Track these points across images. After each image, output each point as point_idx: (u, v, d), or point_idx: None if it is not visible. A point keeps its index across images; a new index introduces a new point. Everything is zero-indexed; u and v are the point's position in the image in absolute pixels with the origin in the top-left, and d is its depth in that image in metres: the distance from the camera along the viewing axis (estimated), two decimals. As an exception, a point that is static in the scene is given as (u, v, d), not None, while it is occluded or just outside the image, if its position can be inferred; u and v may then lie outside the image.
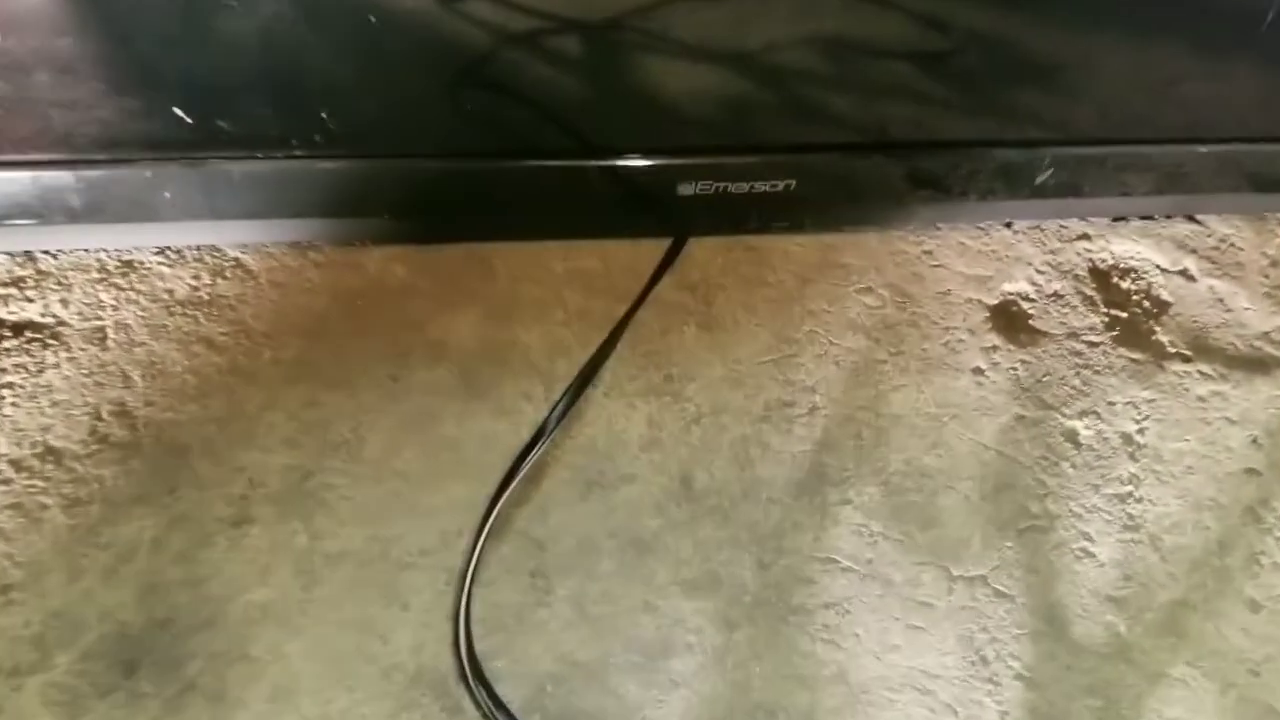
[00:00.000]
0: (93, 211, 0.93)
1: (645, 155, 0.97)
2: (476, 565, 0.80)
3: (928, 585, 0.84)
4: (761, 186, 1.01)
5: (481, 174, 0.96)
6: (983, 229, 1.10)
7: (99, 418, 0.87)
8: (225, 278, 1.00)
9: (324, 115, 0.89)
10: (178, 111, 0.87)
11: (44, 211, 0.92)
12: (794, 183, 1.00)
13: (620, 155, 0.96)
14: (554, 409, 0.89)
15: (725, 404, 0.92)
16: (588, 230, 1.05)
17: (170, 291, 0.99)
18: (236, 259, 1.02)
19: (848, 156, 1.00)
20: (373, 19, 0.83)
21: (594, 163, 0.96)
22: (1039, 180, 1.04)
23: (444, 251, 1.03)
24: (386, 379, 0.92)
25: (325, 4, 0.82)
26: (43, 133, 0.87)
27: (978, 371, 0.96)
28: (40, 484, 0.83)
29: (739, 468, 0.88)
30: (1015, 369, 0.96)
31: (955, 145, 0.99)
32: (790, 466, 0.89)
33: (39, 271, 0.99)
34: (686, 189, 1.00)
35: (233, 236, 1.01)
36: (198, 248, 1.01)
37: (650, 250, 1.04)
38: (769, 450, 0.89)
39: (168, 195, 0.93)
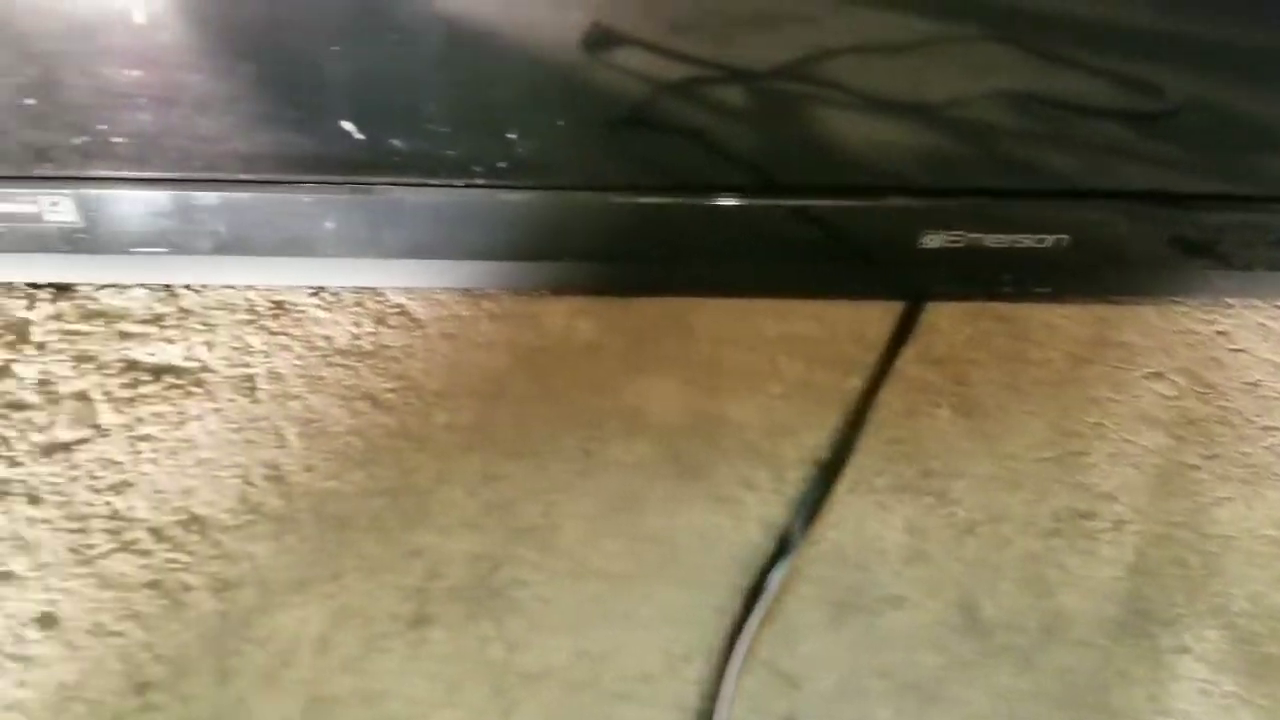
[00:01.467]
0: (242, 242, 0.89)
1: (882, 195, 0.89)
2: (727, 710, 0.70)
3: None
4: (1025, 241, 0.92)
5: (685, 213, 0.90)
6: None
7: (250, 482, 0.81)
8: (389, 326, 0.94)
9: (512, 137, 0.83)
10: (347, 126, 0.83)
11: (186, 239, 0.88)
12: (1066, 239, 0.91)
13: (850, 195, 0.89)
14: (797, 512, 0.82)
15: (1003, 510, 0.82)
16: (803, 287, 0.98)
17: (328, 338, 0.93)
18: (401, 305, 0.96)
19: (1126, 210, 0.91)
20: (575, 31, 0.77)
21: (817, 203, 0.89)
22: None
23: (634, 306, 0.96)
24: (578, 452, 0.84)
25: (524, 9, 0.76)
26: (187, 146, 0.83)
27: (1318, 486, 0.79)
28: (183, 559, 0.76)
29: (1033, 595, 0.77)
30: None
31: (1249, 201, 0.91)
32: (1101, 597, 0.78)
33: (181, 309, 0.95)
34: (932, 240, 0.92)
35: (395, 279, 0.96)
36: (357, 290, 0.95)
37: (876, 314, 0.97)
38: (1069, 574, 0.79)
39: (329, 226, 0.88)
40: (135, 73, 0.77)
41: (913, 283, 0.96)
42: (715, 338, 0.94)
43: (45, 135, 0.79)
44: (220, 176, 0.84)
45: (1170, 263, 0.96)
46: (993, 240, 0.92)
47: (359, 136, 0.83)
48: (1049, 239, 0.92)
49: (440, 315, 0.95)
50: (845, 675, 0.72)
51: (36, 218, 0.83)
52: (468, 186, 0.87)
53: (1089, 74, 0.81)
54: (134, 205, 0.85)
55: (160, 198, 0.85)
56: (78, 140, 0.80)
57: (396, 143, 0.83)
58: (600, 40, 0.79)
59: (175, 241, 0.88)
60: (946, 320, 0.97)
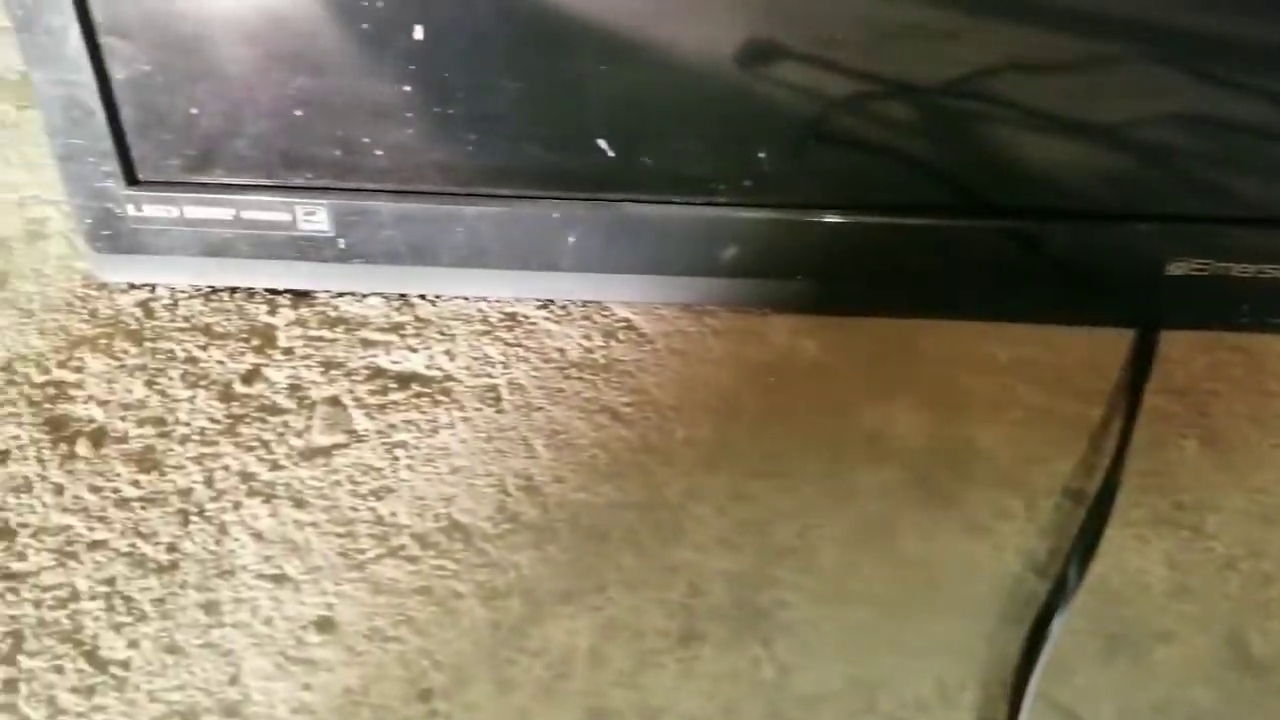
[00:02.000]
0: (482, 254, 0.92)
1: (1130, 221, 0.89)
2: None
3: None
4: (1273, 271, 0.90)
5: (914, 233, 0.91)
6: None
7: (505, 491, 0.81)
8: (618, 340, 0.95)
9: (761, 155, 0.85)
10: (601, 143, 0.85)
11: (431, 251, 0.92)
12: None
13: (1095, 219, 0.89)
14: (1071, 551, 0.80)
15: (1262, 546, 0.80)
16: (1035, 312, 0.96)
17: (561, 351, 0.94)
18: (626, 319, 0.96)
19: None
20: (831, 47, 0.79)
21: (1058, 225, 0.89)
22: None
23: (858, 327, 0.95)
24: (823, 475, 0.83)
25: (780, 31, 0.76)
26: (445, 161, 0.87)
27: None
28: (451, 566, 0.77)
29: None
30: None
31: None
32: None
33: (417, 318, 0.96)
34: (1177, 267, 0.91)
35: (619, 293, 0.97)
36: (583, 304, 0.96)
37: (1107, 342, 0.95)
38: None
39: (571, 241, 0.90)
40: (405, 88, 0.80)
41: (1153, 310, 0.95)
42: (945, 361, 0.93)
43: (309, 146, 0.80)
44: (474, 191, 0.87)
45: None
46: (1239, 269, 0.90)
47: (611, 154, 0.85)
48: (1302, 268, 0.83)
49: (666, 330, 0.95)
50: (1122, 709, 0.70)
51: (290, 226, 0.84)
52: (708, 204, 0.88)
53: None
54: (385, 217, 0.88)
55: (411, 210, 0.88)
56: (339, 152, 0.81)
57: (647, 160, 0.85)
58: (846, 61, 0.81)
59: (418, 253, 0.91)
60: (1180, 349, 0.95)
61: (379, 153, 0.84)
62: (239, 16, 0.79)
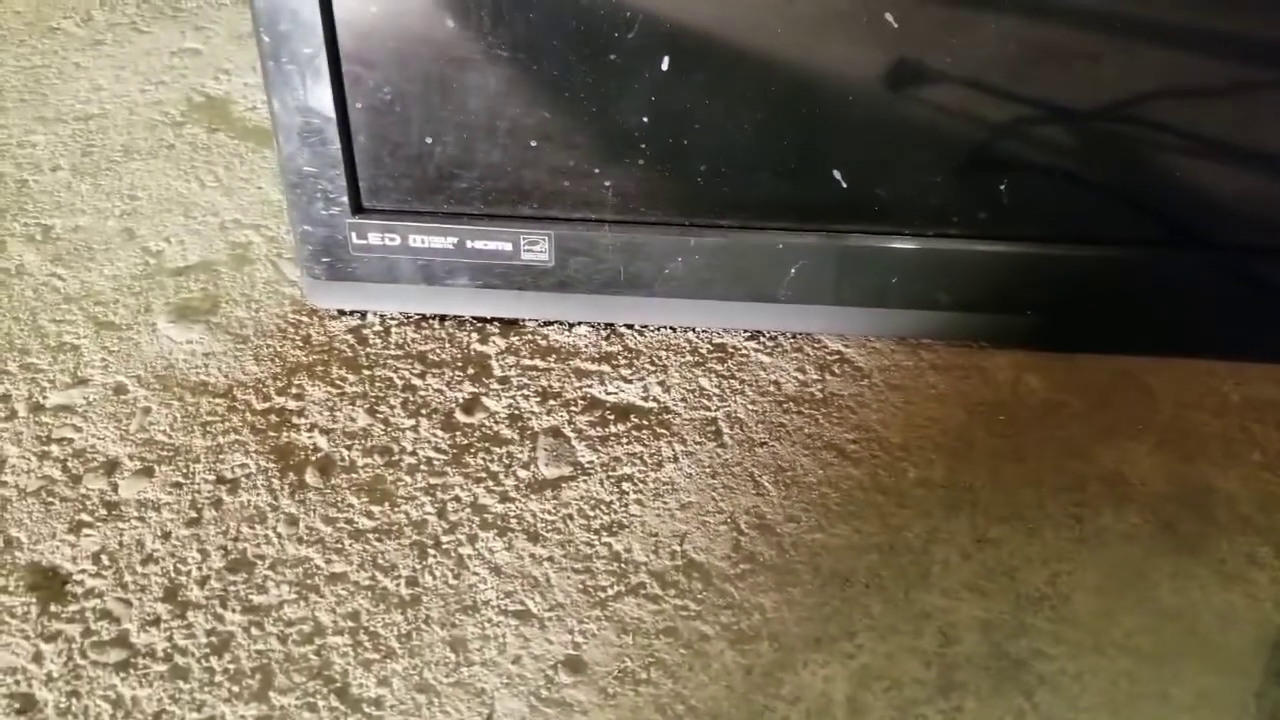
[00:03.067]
0: (701, 284, 0.91)
1: None
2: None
3: None
4: None
5: (1146, 266, 0.90)
6: None
7: (739, 530, 0.78)
8: (833, 374, 0.92)
9: (1002, 188, 0.84)
10: (836, 174, 0.84)
11: (644, 281, 0.91)
12: None
13: None
14: None
15: None
16: (1263, 349, 0.93)
17: (776, 385, 0.91)
18: (839, 352, 0.94)
19: None
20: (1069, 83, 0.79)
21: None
22: None
23: (1081, 363, 0.92)
24: (1067, 519, 0.80)
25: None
26: (664, 190, 0.86)
27: None
28: (693, 607, 0.73)
29: None
30: None
31: None
32: None
33: (627, 348, 0.94)
34: None
35: (830, 325, 0.95)
36: (792, 335, 0.94)
37: None
38: None
39: (793, 272, 0.89)
40: (644, 119, 0.79)
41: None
42: (1176, 400, 0.90)
43: (538, 176, 0.79)
44: (699, 221, 0.87)
45: None
46: None
47: (844, 185, 0.84)
48: None
49: (882, 365, 0.93)
50: None
51: (512, 255, 0.83)
52: (938, 236, 0.87)
53: None
54: (606, 247, 0.88)
55: (634, 240, 0.89)
56: (567, 182, 0.82)
57: (880, 192, 0.84)
58: (1079, 98, 0.83)
59: (636, 283, 0.90)
60: None
61: (608, 184, 0.84)
62: (481, 48, 0.79)
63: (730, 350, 0.94)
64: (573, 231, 0.87)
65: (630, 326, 0.95)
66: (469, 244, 0.85)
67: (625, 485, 0.82)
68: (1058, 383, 0.91)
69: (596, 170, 0.83)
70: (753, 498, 0.81)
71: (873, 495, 0.82)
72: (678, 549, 0.77)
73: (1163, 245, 0.86)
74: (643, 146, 0.82)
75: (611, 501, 0.80)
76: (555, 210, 0.86)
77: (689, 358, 0.93)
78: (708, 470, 0.83)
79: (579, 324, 0.94)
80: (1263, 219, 0.84)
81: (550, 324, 0.93)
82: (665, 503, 0.81)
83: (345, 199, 0.85)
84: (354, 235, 0.85)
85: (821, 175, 0.83)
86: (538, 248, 0.83)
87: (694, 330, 0.95)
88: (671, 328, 0.95)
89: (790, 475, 0.83)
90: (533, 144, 0.78)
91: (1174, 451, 0.86)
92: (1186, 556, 0.78)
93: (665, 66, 0.77)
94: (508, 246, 0.84)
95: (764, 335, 0.94)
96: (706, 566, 0.76)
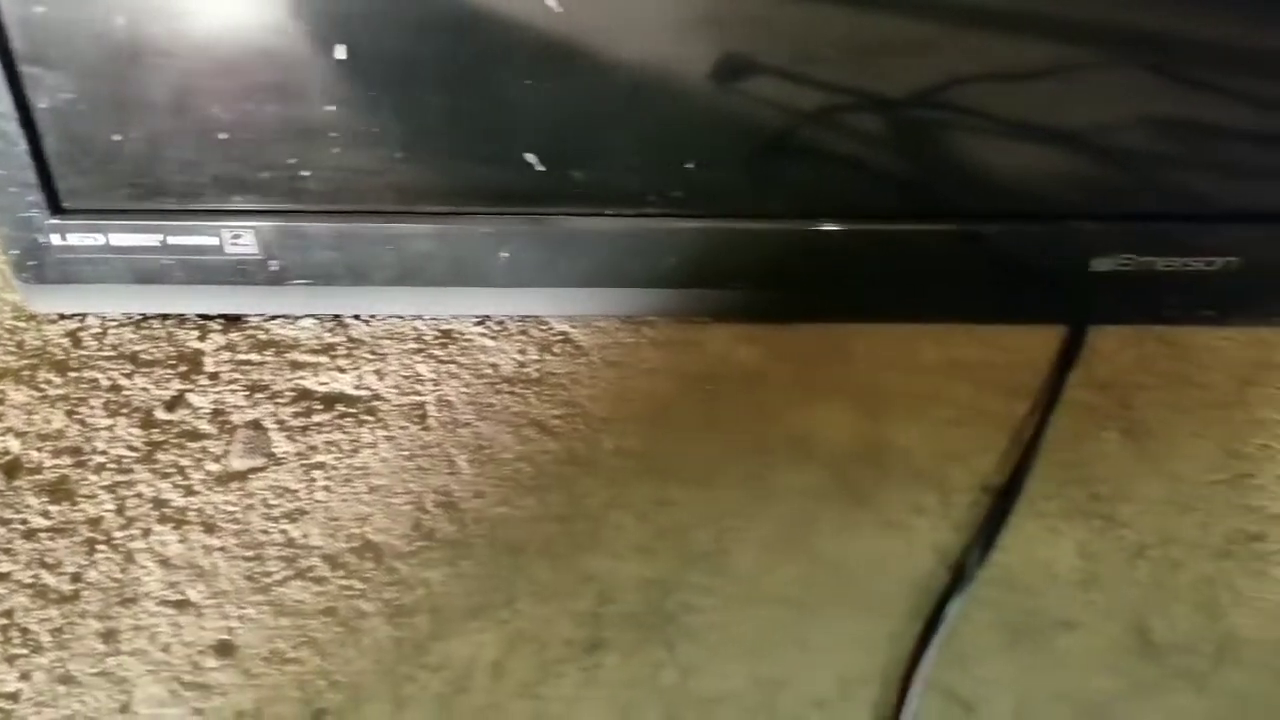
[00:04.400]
0: (415, 273, 0.90)
1: (1056, 220, 0.88)
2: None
3: None
4: (1195, 264, 0.89)
5: (850, 239, 0.90)
6: None
7: (423, 509, 0.79)
8: (554, 354, 0.93)
9: (690, 167, 0.83)
10: (530, 158, 0.83)
11: (362, 271, 0.90)
12: (1235, 261, 0.89)
13: (1023, 219, 0.87)
14: (973, 539, 0.79)
15: (1173, 533, 0.78)
16: (966, 312, 0.95)
17: (495, 366, 0.92)
18: (564, 333, 0.94)
19: None
20: (762, 58, 0.78)
21: (984, 228, 0.87)
22: None
23: (793, 332, 0.94)
24: (747, 478, 0.81)
25: (709, 38, 0.77)
26: (371, 181, 0.85)
27: None
28: (359, 586, 0.74)
29: (1207, 618, 0.73)
30: None
31: None
32: (1273, 620, 0.73)
33: (350, 339, 0.94)
34: (1102, 263, 0.90)
35: (558, 307, 0.95)
36: (521, 319, 0.94)
37: (1040, 338, 0.94)
38: (1241, 596, 0.74)
39: (505, 256, 0.88)
40: (330, 108, 0.77)
41: (1080, 306, 0.93)
42: (878, 363, 0.92)
43: (235, 169, 0.80)
44: (404, 209, 0.85)
45: None
46: (1163, 264, 0.89)
47: (540, 168, 0.83)
48: (1218, 262, 0.89)
49: (604, 343, 0.94)
50: (1022, 699, 0.68)
51: (218, 250, 0.83)
52: (640, 216, 0.87)
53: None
54: (314, 238, 0.85)
55: (341, 230, 0.86)
56: (266, 174, 0.81)
57: (576, 174, 0.83)
58: (770, 73, 0.79)
59: (351, 273, 0.89)
60: (1109, 343, 0.94)
61: (306, 174, 0.83)
62: (160, 43, 0.78)
63: (455, 336, 0.94)
64: (278, 224, 0.87)
65: (358, 317, 0.94)
66: (172, 240, 0.86)
67: (316, 473, 0.83)
68: (768, 352, 0.93)
69: (292, 161, 0.84)
70: (445, 477, 0.82)
71: (566, 468, 0.83)
72: (356, 531, 0.78)
73: (863, 216, 0.88)
74: (333, 135, 0.82)
75: (298, 490, 0.81)
76: (257, 203, 0.85)
77: (411, 345, 0.94)
78: (405, 453, 0.84)
79: (306, 317, 0.94)
80: (962, 185, 0.87)
81: (276, 318, 0.93)
82: (354, 487, 0.81)
83: (42, 201, 0.84)
84: (55, 237, 0.86)
85: (515, 159, 0.84)
86: (243, 241, 0.84)
87: (422, 318, 0.95)
88: (400, 317, 0.94)
89: (488, 453, 0.84)
90: (222, 137, 0.79)
91: (864, 411, 0.88)
92: (855, 508, 0.80)
93: (341, 55, 0.78)
94: (213, 241, 0.84)
95: (491, 320, 0.95)
96: (382, 546, 0.77)
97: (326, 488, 0.82)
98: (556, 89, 0.81)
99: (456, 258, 0.90)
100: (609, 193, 0.86)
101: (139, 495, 0.81)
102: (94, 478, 0.82)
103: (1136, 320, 0.96)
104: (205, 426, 0.85)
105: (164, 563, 0.77)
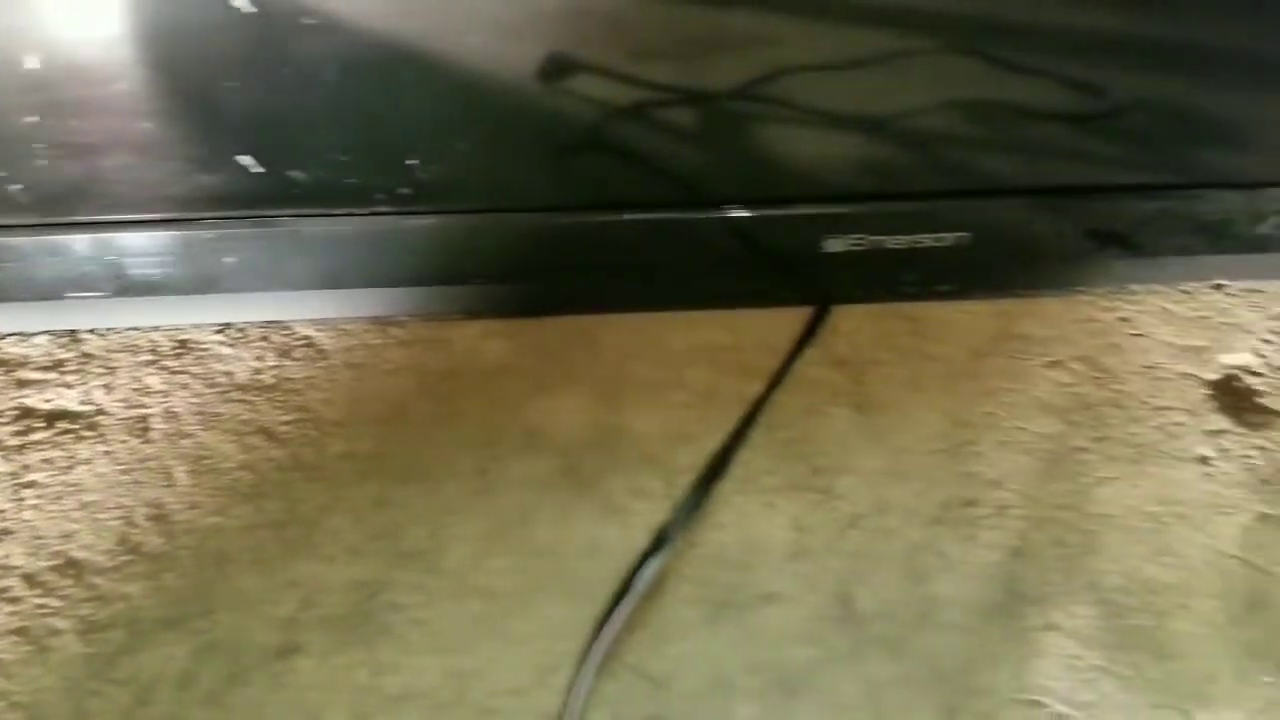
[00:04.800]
0: (145, 282, 0.86)
1: (783, 204, 0.87)
2: (578, 710, 0.66)
3: (1167, 736, 0.62)
4: (926, 241, 0.90)
5: (588, 230, 0.88)
6: (1188, 292, 0.99)
7: (132, 523, 0.77)
8: (293, 359, 0.91)
9: (413, 163, 0.81)
10: (245, 160, 0.80)
11: (89, 283, 0.86)
12: (966, 236, 0.89)
13: (752, 205, 0.87)
14: (677, 510, 0.77)
15: (889, 503, 0.79)
16: (713, 299, 0.95)
17: (229, 375, 0.90)
18: (308, 338, 0.93)
19: (1030, 205, 0.90)
20: (472, 47, 0.76)
21: (719, 214, 0.86)
22: (1262, 230, 0.92)
23: (545, 326, 0.93)
24: (473, 473, 0.81)
25: (416, 30, 0.75)
26: (84, 189, 0.81)
27: (1203, 460, 0.82)
28: (55, 604, 0.72)
29: (911, 583, 0.74)
30: (1250, 457, 0.82)
31: (1153, 189, 0.90)
32: (977, 581, 0.75)
33: (83, 354, 0.92)
34: (834, 244, 0.90)
35: (305, 312, 0.93)
36: (264, 325, 0.93)
37: (787, 320, 0.94)
38: (948, 561, 0.75)
39: (230, 261, 0.86)
40: (32, 119, 0.75)
41: (819, 287, 0.94)
42: (624, 352, 0.92)
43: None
44: (119, 218, 0.82)
45: (1075, 254, 0.94)
46: (893, 241, 0.90)
47: (257, 170, 0.80)
48: (948, 238, 0.90)
49: (348, 345, 0.92)
50: (714, 673, 0.69)
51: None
52: (371, 214, 0.85)
53: (995, 73, 0.81)
54: (32, 251, 0.83)
55: (57, 243, 0.83)
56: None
57: (296, 175, 0.81)
58: (491, 62, 0.78)
59: (78, 285, 0.86)
60: (853, 322, 0.95)
61: (15, 187, 0.81)
62: None
63: (192, 346, 0.92)
64: (-5, 239, 0.77)
65: (93, 331, 0.92)
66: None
67: (26, 492, 0.80)
68: (514, 347, 0.92)
69: (1, 174, 0.80)
70: (160, 490, 0.80)
71: (288, 474, 0.81)
72: (60, 549, 0.76)
73: (601, 206, 0.87)
74: (38, 147, 0.79)
75: (6, 510, 0.78)
76: (-38, 216, 0.76)
77: (145, 357, 0.91)
78: (121, 468, 0.82)
79: (40, 334, 0.91)
80: (700, 172, 0.86)
81: (8, 336, 0.91)
82: (64, 505, 0.79)
83: None
84: None
85: (229, 162, 0.81)
86: (-45, 259, 0.78)
87: (160, 329, 0.93)
88: (137, 328, 0.92)
89: (208, 463, 0.82)
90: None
91: (604, 400, 0.87)
92: (577, 496, 0.80)
93: (34, 65, 0.74)
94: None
95: (234, 327, 0.93)
96: (84, 563, 0.75)
97: (35, 506, 0.79)
98: (262, 90, 0.79)
99: (183, 265, 0.87)
100: (334, 193, 0.84)
101: None
102: None
103: (878, 298, 0.97)
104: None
105: None
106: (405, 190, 0.83)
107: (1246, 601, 0.70)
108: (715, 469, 0.80)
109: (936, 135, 0.82)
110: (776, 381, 0.87)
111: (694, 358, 0.91)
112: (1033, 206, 0.88)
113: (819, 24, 0.75)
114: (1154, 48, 0.77)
